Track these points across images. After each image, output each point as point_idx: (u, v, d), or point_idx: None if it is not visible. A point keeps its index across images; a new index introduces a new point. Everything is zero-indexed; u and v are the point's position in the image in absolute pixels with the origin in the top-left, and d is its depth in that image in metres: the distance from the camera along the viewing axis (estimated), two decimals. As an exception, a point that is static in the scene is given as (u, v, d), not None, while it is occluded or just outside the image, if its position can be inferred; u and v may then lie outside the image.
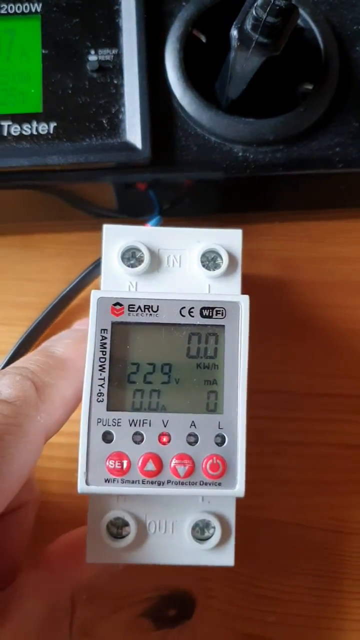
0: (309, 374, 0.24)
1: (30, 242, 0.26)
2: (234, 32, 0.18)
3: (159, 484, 0.17)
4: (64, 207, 0.24)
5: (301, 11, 0.21)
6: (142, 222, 0.23)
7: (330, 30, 0.22)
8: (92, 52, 0.21)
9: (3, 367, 0.23)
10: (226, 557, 0.18)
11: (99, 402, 0.17)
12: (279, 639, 0.22)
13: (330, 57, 0.21)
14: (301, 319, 0.25)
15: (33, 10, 0.21)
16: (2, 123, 0.21)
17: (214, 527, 0.18)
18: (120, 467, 0.17)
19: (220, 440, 0.17)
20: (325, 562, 0.23)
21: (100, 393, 0.17)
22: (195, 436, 0.17)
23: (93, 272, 0.23)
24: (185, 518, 0.18)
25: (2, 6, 0.22)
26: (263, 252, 0.25)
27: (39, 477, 0.23)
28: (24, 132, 0.21)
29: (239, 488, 0.17)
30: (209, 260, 0.19)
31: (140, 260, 0.19)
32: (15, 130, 0.21)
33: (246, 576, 0.23)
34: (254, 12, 0.18)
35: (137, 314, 0.17)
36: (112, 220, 0.24)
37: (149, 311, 0.17)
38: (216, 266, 0.19)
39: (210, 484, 0.17)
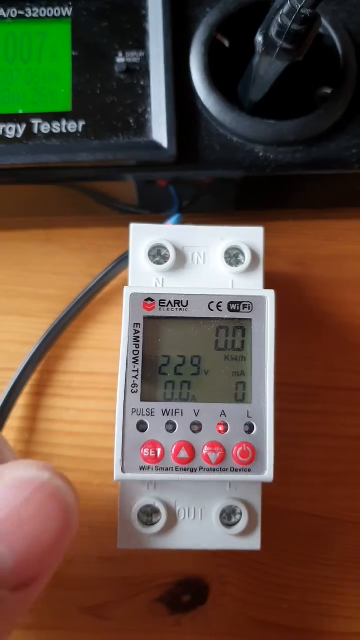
0: (326, 369, 0.25)
1: (52, 237, 0.26)
2: (259, 38, 0.19)
3: (192, 471, 0.17)
4: (86, 203, 0.25)
5: (321, 18, 0.22)
6: (162, 218, 0.24)
7: (348, 37, 0.22)
8: (120, 54, 0.22)
9: (29, 360, 0.23)
10: (253, 542, 0.19)
11: (133, 393, 0.18)
12: (291, 626, 0.23)
13: (349, 63, 0.22)
14: (317, 315, 0.25)
15: (64, 14, 0.22)
16: (33, 121, 0.22)
17: (241, 513, 0.19)
18: (154, 455, 0.17)
19: (249, 429, 0.18)
20: (339, 552, 0.23)
21: (135, 384, 0.18)
22: (226, 425, 0.18)
23: (116, 267, 0.24)
24: (213, 505, 0.19)
25: (34, 10, 0.22)
26: (279, 250, 0.26)
27: (59, 464, 0.24)
28: (54, 130, 0.22)
29: (268, 473, 0.18)
30: (232, 257, 0.20)
31: (166, 258, 0.20)
32: (45, 128, 0.22)
33: (260, 564, 0.23)
34: (279, 20, 0.18)
35: (167, 309, 0.18)
36: (133, 218, 0.25)
37: (179, 306, 0.18)
38: (239, 262, 0.20)
39: (240, 470, 0.18)
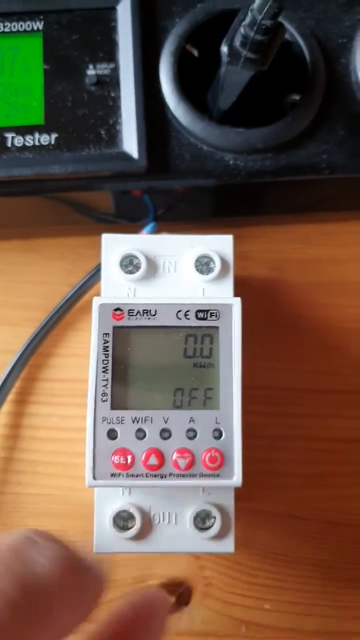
0: (302, 371, 0.25)
1: (31, 246, 0.27)
2: (224, 49, 0.19)
3: (162, 477, 0.18)
4: (64, 213, 0.25)
5: (288, 26, 0.22)
6: (139, 227, 0.24)
7: (316, 44, 0.23)
8: (91, 66, 0.22)
9: (12, 369, 0.24)
10: (227, 545, 0.19)
11: (103, 401, 0.18)
12: (274, 625, 0.23)
13: (317, 69, 0.22)
14: (294, 318, 0.26)
15: (35, 28, 0.23)
16: (6, 135, 0.22)
17: (215, 517, 0.19)
18: (125, 462, 0.18)
19: (217, 434, 0.18)
20: (320, 551, 0.24)
21: (104, 393, 0.18)
22: (194, 431, 0.18)
23: (95, 276, 0.24)
24: (187, 509, 0.19)
25: (6, 24, 0.23)
26: (255, 254, 0.26)
27: (43, 470, 0.24)
28: (26, 143, 0.22)
29: (237, 479, 0.18)
30: (203, 264, 0.20)
31: (137, 267, 0.20)
32: (18, 141, 0.22)
33: (242, 565, 0.24)
34: (242, 30, 0.19)
35: (136, 318, 0.19)
36: (111, 227, 0.26)
37: (148, 315, 0.19)
38: (209, 270, 0.20)
39: (209, 476, 0.18)
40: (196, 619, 0.23)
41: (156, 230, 0.24)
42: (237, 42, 0.19)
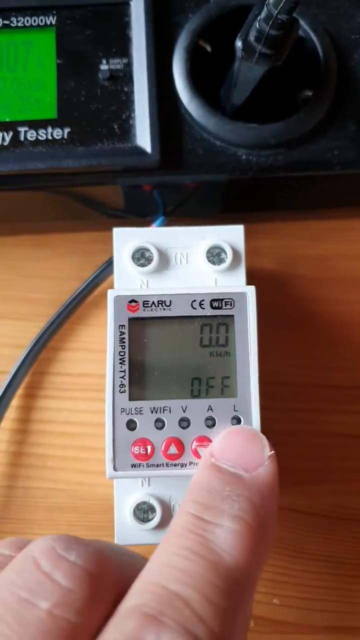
0: (310, 367, 0.25)
1: (42, 241, 0.27)
2: (239, 43, 0.20)
3: (182, 466, 0.18)
4: (74, 208, 0.25)
5: (301, 22, 0.22)
6: (149, 222, 0.24)
7: (329, 40, 0.23)
8: (104, 61, 0.23)
9: (22, 363, 0.24)
10: None
11: (121, 392, 0.18)
12: (283, 620, 0.23)
13: (329, 65, 0.22)
14: (303, 314, 0.26)
15: (48, 22, 0.23)
16: (20, 129, 0.22)
17: None
18: (144, 452, 0.18)
19: (236, 422, 0.18)
20: (328, 547, 0.24)
21: (122, 384, 0.18)
22: (213, 419, 0.18)
23: (105, 271, 0.24)
24: None
25: (19, 19, 0.23)
26: (265, 250, 0.26)
27: (53, 465, 0.24)
28: (39, 137, 0.22)
29: None
30: (214, 255, 0.21)
31: (149, 260, 0.20)
32: (31, 135, 0.22)
33: (251, 560, 0.24)
34: (257, 25, 0.19)
35: (151, 309, 0.19)
36: (121, 222, 0.26)
37: (163, 306, 0.19)
38: (221, 261, 0.20)
39: None
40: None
41: (165, 226, 0.24)
42: (251, 37, 0.19)
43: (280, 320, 0.26)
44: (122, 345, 0.18)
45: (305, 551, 0.24)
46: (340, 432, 0.25)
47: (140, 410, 0.18)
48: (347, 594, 0.24)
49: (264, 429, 0.23)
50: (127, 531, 0.19)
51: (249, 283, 0.21)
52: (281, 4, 0.17)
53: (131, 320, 0.18)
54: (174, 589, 0.13)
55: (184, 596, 0.12)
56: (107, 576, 0.13)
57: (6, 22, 0.23)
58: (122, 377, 0.18)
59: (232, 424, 0.18)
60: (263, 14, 0.18)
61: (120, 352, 0.18)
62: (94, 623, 0.12)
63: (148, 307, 0.19)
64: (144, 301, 0.19)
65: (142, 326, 0.19)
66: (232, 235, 0.21)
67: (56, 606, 0.12)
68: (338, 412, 0.25)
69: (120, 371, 0.18)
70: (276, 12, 0.18)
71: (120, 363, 0.18)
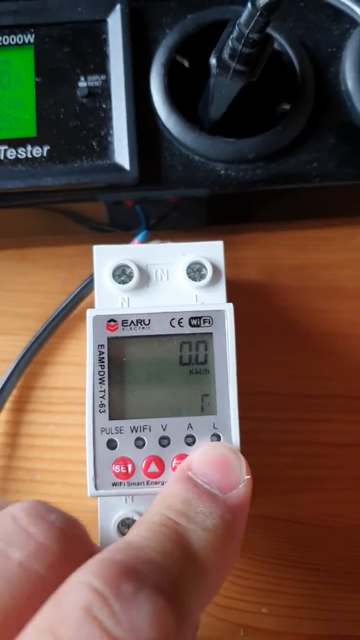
0: (295, 376, 0.25)
1: (27, 256, 0.27)
2: (213, 61, 0.20)
3: (163, 484, 0.18)
4: (58, 223, 0.25)
5: (277, 36, 0.23)
6: (133, 235, 0.24)
7: (305, 53, 0.23)
8: (82, 78, 0.23)
9: (9, 377, 0.24)
10: None
11: (101, 412, 0.18)
12: (273, 630, 0.23)
13: (306, 78, 0.23)
14: (286, 324, 0.26)
15: (26, 41, 0.23)
16: (-1, 147, 0.22)
17: None
18: (125, 470, 0.18)
19: (216, 439, 0.18)
20: (316, 556, 0.24)
21: (102, 404, 0.18)
22: (193, 437, 0.18)
23: (89, 284, 0.25)
24: None
25: (-3, 38, 0.23)
26: (248, 261, 0.26)
27: (41, 478, 0.24)
28: (19, 156, 0.22)
29: None
30: (195, 271, 0.21)
31: (130, 277, 0.20)
32: (11, 154, 0.22)
33: (239, 569, 0.24)
34: (229, 43, 0.19)
35: (130, 328, 0.19)
36: (105, 236, 0.26)
37: (142, 325, 0.19)
38: (201, 277, 0.21)
39: None
40: (194, 623, 0.24)
41: (148, 239, 0.25)
42: (225, 54, 0.20)
43: (263, 330, 0.26)
44: (101, 365, 0.18)
45: (294, 560, 0.24)
46: (327, 441, 0.25)
47: (121, 430, 0.18)
48: (337, 602, 0.24)
49: (249, 440, 0.23)
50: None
51: (231, 293, 0.21)
52: (251, 25, 0.17)
53: (110, 339, 0.19)
54: (147, 553, 0.13)
55: (156, 559, 0.13)
56: (82, 540, 0.14)
57: (-15, 41, 0.23)
58: (101, 397, 0.18)
59: (212, 441, 0.18)
60: (235, 33, 0.18)
61: (99, 371, 0.18)
62: (63, 582, 0.12)
63: (127, 326, 0.19)
64: (122, 320, 0.19)
65: (121, 345, 0.19)
66: (212, 251, 0.21)
67: (28, 558, 0.12)
68: (324, 421, 0.25)
69: (100, 391, 0.18)
70: (247, 31, 0.18)
71: (100, 383, 0.18)
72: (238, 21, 0.18)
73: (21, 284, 0.26)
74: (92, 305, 0.26)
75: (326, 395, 0.25)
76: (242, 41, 0.18)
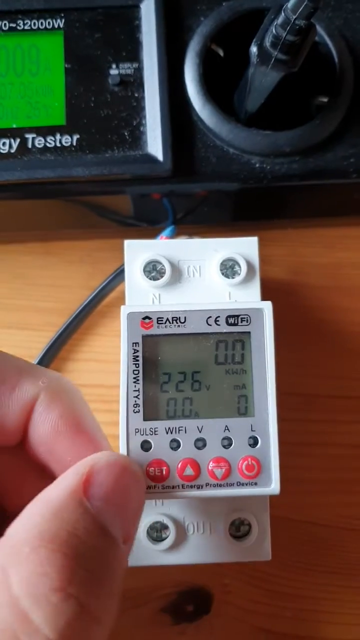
0: (323, 377, 0.25)
1: (50, 249, 0.26)
2: (254, 49, 0.19)
3: (198, 487, 0.17)
4: (83, 216, 0.24)
5: (317, 26, 0.22)
6: (158, 230, 0.24)
7: (344, 44, 0.22)
8: (114, 66, 0.22)
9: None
10: (263, 552, 0.19)
11: (135, 412, 0.18)
12: (295, 634, 0.23)
13: (345, 71, 0.22)
14: (315, 323, 0.25)
15: (56, 25, 0.22)
16: (27, 135, 0.21)
17: (249, 525, 0.19)
18: (160, 473, 0.17)
19: (253, 442, 0.18)
20: (339, 559, 0.24)
21: (136, 404, 0.18)
22: (230, 439, 0.18)
23: (115, 279, 0.24)
24: (222, 518, 0.19)
25: (26, 22, 0.22)
26: (276, 258, 0.26)
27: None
28: (48, 145, 0.21)
29: (275, 486, 0.18)
30: (228, 268, 0.20)
31: (161, 273, 0.20)
32: (39, 142, 0.21)
33: (262, 572, 0.24)
34: (273, 30, 0.18)
35: (165, 326, 0.18)
36: (130, 230, 0.25)
37: (177, 322, 0.18)
38: (235, 274, 0.20)
39: (246, 484, 0.18)
40: (216, 627, 0.23)
41: (175, 234, 0.24)
42: (267, 43, 0.19)
43: (292, 329, 0.25)
44: (135, 364, 0.18)
45: (318, 563, 0.24)
46: (355, 443, 0.24)
47: (155, 431, 0.18)
48: (357, 606, 0.23)
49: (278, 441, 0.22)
50: (140, 550, 0.19)
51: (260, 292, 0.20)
52: (300, 9, 0.17)
53: (145, 337, 0.18)
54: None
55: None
56: None
57: (12, 25, 0.22)
58: (136, 397, 0.18)
59: (249, 444, 0.18)
60: (280, 19, 0.18)
61: (134, 370, 0.18)
62: None
63: (162, 323, 0.18)
64: (158, 318, 0.18)
65: (156, 343, 0.18)
66: (246, 247, 0.20)
67: None
68: (352, 422, 0.25)
69: (134, 390, 0.18)
70: (294, 17, 0.17)
71: (135, 382, 0.18)
72: (285, 7, 0.17)
73: (44, 278, 0.26)
74: (115, 302, 0.26)
75: (355, 397, 0.25)
76: (288, 28, 0.18)
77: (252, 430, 0.18)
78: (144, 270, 0.20)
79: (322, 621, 0.23)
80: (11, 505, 0.17)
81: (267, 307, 0.19)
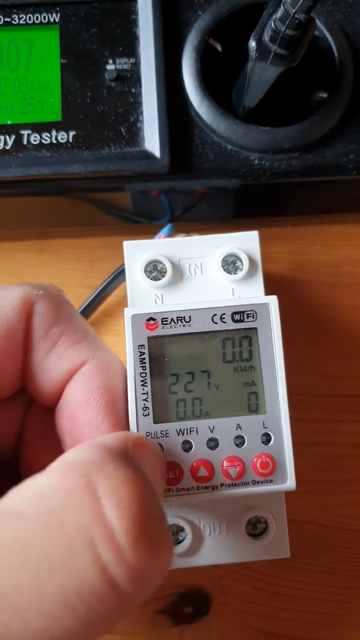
0: (324, 375, 0.25)
1: (46, 247, 0.26)
2: (252, 44, 0.19)
3: (213, 488, 0.17)
4: (79, 213, 0.24)
5: (316, 21, 0.22)
6: (156, 227, 0.23)
7: (344, 39, 0.22)
8: (110, 61, 0.22)
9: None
10: (282, 549, 0.19)
11: (145, 416, 0.17)
12: (295, 635, 0.23)
13: (345, 66, 0.22)
14: (315, 321, 0.25)
15: (51, 20, 0.22)
16: (22, 132, 0.21)
17: (266, 522, 0.19)
18: (174, 475, 0.17)
19: (266, 439, 0.17)
20: (340, 560, 0.23)
21: (145, 407, 0.17)
22: (242, 438, 0.17)
23: (115, 280, 0.24)
24: (237, 517, 0.19)
25: (21, 16, 0.22)
26: (276, 256, 0.26)
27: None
28: (43, 141, 0.21)
29: (290, 482, 0.17)
30: (229, 264, 0.20)
31: (162, 273, 0.19)
32: (35, 139, 0.21)
33: (260, 573, 0.23)
34: (272, 25, 0.18)
35: (170, 327, 0.18)
36: (127, 228, 0.25)
37: (182, 322, 0.18)
38: (237, 269, 0.20)
39: (262, 482, 0.17)
40: (214, 629, 0.23)
41: (173, 232, 0.24)
42: (266, 37, 0.18)
43: (292, 327, 0.25)
44: (142, 366, 0.17)
45: (318, 564, 0.23)
46: (354, 442, 0.24)
47: (166, 433, 0.17)
48: (358, 607, 0.23)
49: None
50: None
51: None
52: (299, 3, 0.16)
53: (150, 339, 0.18)
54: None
55: None
56: None
57: (7, 19, 0.22)
58: (144, 400, 0.17)
59: (262, 441, 0.17)
60: (279, 13, 0.17)
61: (141, 373, 0.17)
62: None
63: (167, 324, 0.18)
64: (162, 318, 0.18)
65: (162, 344, 0.18)
66: (246, 242, 0.20)
67: None
68: (353, 421, 0.24)
69: (143, 393, 0.17)
70: (294, 11, 0.17)
71: (142, 385, 0.17)
72: (284, 0, 0.17)
73: (40, 276, 0.26)
74: (116, 301, 0.25)
75: (354, 395, 0.25)
76: (287, 22, 0.17)
77: (264, 427, 0.17)
78: (145, 271, 0.19)
79: (323, 622, 0.23)
80: (24, 467, 0.17)
81: (273, 301, 0.18)
